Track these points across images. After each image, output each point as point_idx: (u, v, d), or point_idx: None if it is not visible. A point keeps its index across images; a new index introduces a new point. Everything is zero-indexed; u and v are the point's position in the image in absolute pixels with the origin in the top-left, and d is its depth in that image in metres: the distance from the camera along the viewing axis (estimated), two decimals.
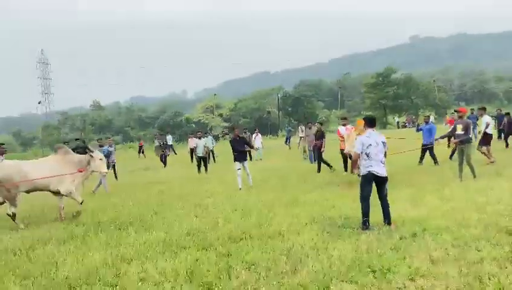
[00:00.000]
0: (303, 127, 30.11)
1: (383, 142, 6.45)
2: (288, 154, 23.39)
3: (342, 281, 4.29)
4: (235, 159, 11.39)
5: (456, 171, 10.04)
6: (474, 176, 9.77)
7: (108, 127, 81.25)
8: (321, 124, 15.30)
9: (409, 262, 4.65)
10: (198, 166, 16.44)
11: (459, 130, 9.74)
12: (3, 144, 10.37)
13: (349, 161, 12.44)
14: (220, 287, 4.41)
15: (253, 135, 21.72)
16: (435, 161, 13.12)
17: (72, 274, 5.11)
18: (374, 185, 6.44)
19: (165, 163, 21.13)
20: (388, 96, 60.97)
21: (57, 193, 8.70)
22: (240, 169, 11.33)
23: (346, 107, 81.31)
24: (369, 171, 6.35)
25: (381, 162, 6.35)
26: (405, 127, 51.32)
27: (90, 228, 7.66)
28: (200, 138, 16.83)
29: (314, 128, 15.72)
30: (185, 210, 8.77)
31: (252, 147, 12.11)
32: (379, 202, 6.51)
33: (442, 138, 11.04)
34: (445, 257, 4.73)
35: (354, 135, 10.09)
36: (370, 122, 6.67)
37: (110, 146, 15.85)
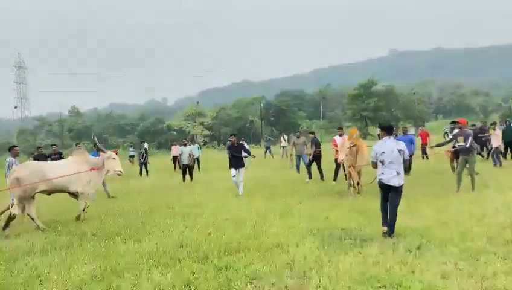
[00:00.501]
0: (285, 137, 30.00)
1: (399, 150, 6.26)
2: (274, 163, 23.15)
3: None
4: (231, 166, 11.43)
5: (451, 181, 9.98)
6: (473, 189, 9.67)
7: (86, 134, 79.66)
8: (313, 133, 15.54)
9: (419, 277, 4.45)
10: (183, 174, 16.04)
11: (461, 142, 9.67)
12: (17, 146, 10.32)
13: (340, 171, 12.33)
14: None
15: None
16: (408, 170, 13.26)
17: (58, 289, 4.73)
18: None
19: (146, 172, 20.55)
20: (369, 108, 61.68)
21: (75, 195, 8.82)
22: (235, 176, 11.37)
23: (327, 118, 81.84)
24: (380, 179, 6.31)
25: (396, 170, 6.20)
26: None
27: (74, 238, 7.25)
28: (185, 146, 16.44)
29: (303, 138, 15.72)
30: (174, 220, 8.39)
31: (249, 154, 11.97)
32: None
33: (438, 146, 11.01)
34: (456, 271, 4.56)
35: (347, 144, 9.94)
36: (387, 130, 6.55)
37: None
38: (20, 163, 9.35)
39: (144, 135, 67.80)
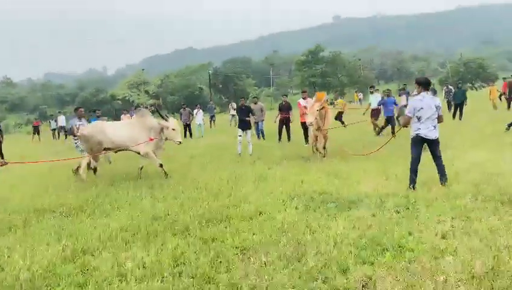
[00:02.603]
0: (234, 105, 29.52)
1: (437, 106, 6.32)
2: (230, 131, 22.70)
3: (360, 263, 3.83)
4: (239, 126, 12.11)
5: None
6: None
7: (21, 106, 74.51)
8: (286, 95, 16.18)
9: (419, 238, 4.31)
10: None
11: None
12: (82, 108, 11.10)
13: (309, 133, 12.23)
14: (222, 279, 3.73)
15: (195, 111, 20.74)
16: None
17: (24, 274, 4.14)
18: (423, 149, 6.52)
19: None
20: (316, 74, 62.19)
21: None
22: (240, 136, 11.95)
23: (275, 85, 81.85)
24: (417, 134, 6.33)
25: (433, 125, 6.28)
26: (332, 104, 52.72)
27: (30, 216, 6.51)
28: None
29: (260, 104, 15.78)
30: (139, 192, 7.80)
31: (255, 116, 12.59)
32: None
33: (403, 107, 11.13)
34: (453, 230, 4.47)
35: (317, 106, 9.72)
36: (423, 84, 6.44)
37: None
38: None
39: (85, 105, 64.50)
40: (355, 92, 51.35)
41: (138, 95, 68.39)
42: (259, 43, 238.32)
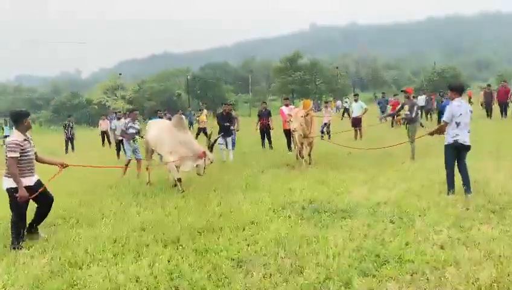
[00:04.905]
0: (205, 111, 29.24)
1: (471, 111, 6.35)
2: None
3: (362, 275, 3.76)
4: (219, 133, 11.62)
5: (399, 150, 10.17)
6: (412, 156, 9.96)
7: None
8: (264, 102, 15.47)
9: (418, 249, 4.28)
10: (118, 150, 14.82)
11: (407, 110, 9.85)
12: (136, 110, 11.67)
13: (293, 140, 12.17)
14: None
15: None
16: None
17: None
18: None
19: (72, 148, 19.03)
20: (295, 81, 62.49)
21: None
22: (222, 144, 11.77)
23: (253, 92, 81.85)
24: (455, 141, 6.21)
25: (467, 131, 6.26)
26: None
27: (7, 226, 6.17)
28: (119, 119, 15.21)
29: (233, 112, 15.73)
30: (123, 201, 7.56)
31: (233, 124, 12.28)
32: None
33: (388, 116, 11.18)
34: (450, 240, 4.46)
35: (302, 113, 9.69)
36: (458, 90, 6.37)
37: None
38: None
39: (60, 110, 63.19)
40: (333, 99, 52.01)
41: (114, 100, 67.20)
42: (236, 49, 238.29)
